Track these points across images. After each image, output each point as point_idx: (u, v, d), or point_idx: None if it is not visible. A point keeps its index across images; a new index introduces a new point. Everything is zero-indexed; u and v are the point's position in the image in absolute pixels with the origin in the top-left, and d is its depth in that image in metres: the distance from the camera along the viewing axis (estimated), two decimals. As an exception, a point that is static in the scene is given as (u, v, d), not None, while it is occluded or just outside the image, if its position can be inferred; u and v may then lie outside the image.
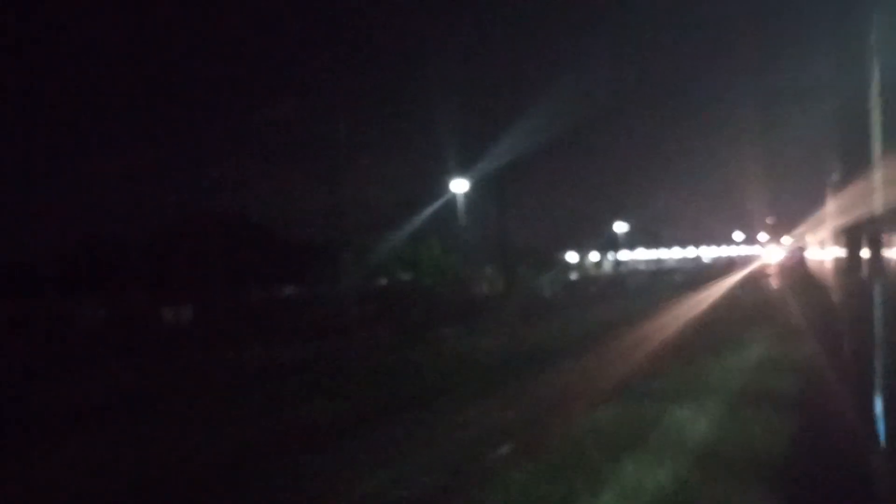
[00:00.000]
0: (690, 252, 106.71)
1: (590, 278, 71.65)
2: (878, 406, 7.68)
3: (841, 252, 14.84)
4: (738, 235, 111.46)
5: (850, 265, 8.96)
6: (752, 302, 32.77)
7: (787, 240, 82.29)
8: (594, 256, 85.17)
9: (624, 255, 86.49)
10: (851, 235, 8.97)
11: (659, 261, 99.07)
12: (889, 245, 7.66)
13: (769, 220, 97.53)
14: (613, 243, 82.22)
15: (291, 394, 15.30)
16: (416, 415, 12.15)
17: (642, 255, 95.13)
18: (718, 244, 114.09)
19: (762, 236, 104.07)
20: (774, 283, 55.09)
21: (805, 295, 29.80)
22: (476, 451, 9.46)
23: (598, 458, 8.42)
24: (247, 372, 19.74)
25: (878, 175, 7.03)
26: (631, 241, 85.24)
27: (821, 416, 10.11)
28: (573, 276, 71.16)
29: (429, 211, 61.83)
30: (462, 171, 56.35)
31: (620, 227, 79.75)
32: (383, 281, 66.00)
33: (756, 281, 57.85)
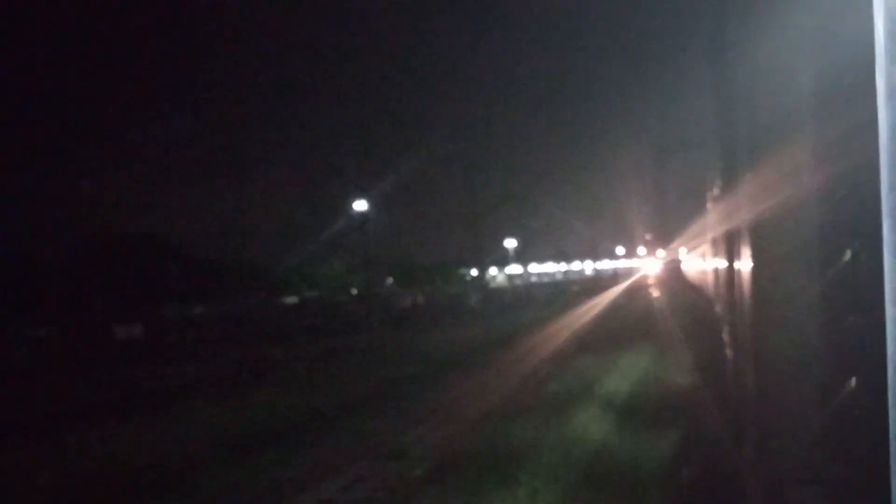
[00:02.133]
0: (577, 265, 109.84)
1: (499, 290, 74.04)
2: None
3: (715, 262, 15.65)
4: (619, 249, 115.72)
5: (724, 274, 9.27)
6: (634, 304, 39.51)
7: (661, 253, 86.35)
8: (492, 271, 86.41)
9: (514, 269, 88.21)
10: (725, 246, 9.25)
11: (551, 274, 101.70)
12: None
13: (647, 236, 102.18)
14: (505, 258, 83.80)
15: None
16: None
17: (534, 269, 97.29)
18: (601, 258, 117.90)
19: (641, 250, 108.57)
20: (653, 290, 59.58)
21: (679, 298, 33.33)
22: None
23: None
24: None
25: (745, 188, 7.23)
26: (522, 256, 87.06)
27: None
28: (485, 289, 72.95)
29: (332, 230, 61.32)
30: (364, 190, 56.22)
31: (510, 242, 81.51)
32: (293, 298, 65.30)
33: (637, 289, 62.82)
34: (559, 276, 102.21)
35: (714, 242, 12.48)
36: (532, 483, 8.72)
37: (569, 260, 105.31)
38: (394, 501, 9.33)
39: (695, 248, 28.32)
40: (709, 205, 13.74)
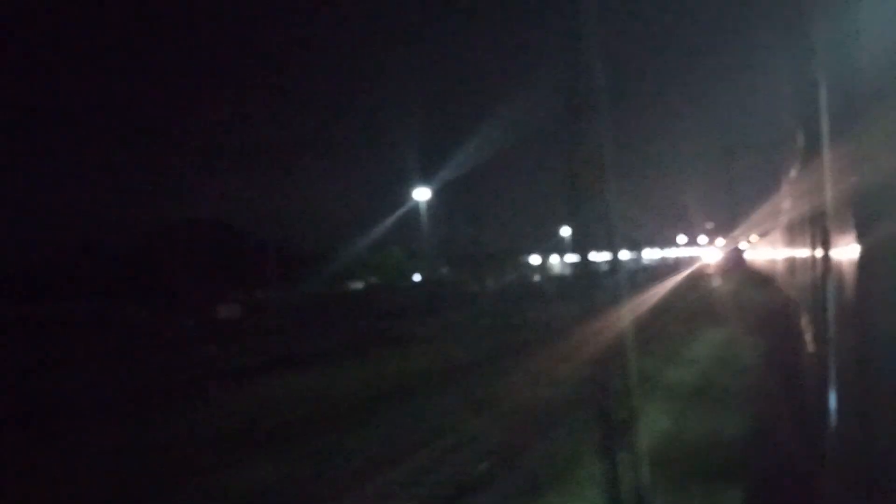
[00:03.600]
0: (639, 253, 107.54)
1: (565, 276, 74.01)
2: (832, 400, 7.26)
3: (789, 251, 14.54)
4: (681, 238, 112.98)
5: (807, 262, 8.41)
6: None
7: (720, 242, 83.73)
8: (553, 259, 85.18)
9: (573, 257, 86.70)
10: (809, 230, 8.38)
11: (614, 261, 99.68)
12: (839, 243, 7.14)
13: (708, 225, 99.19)
14: (562, 246, 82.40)
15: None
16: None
17: (596, 257, 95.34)
18: (664, 246, 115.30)
19: (702, 239, 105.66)
20: (716, 279, 58.97)
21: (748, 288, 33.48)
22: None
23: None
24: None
25: (827, 171, 6.46)
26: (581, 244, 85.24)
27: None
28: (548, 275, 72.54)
29: (392, 219, 61.32)
30: (424, 180, 55.88)
31: (566, 231, 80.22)
32: (358, 284, 66.35)
33: (700, 277, 62.45)
34: (628, 264, 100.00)
35: (791, 228, 11.40)
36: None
37: (633, 248, 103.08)
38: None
39: (761, 234, 27.12)
40: (785, 188, 12.65)
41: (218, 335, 32.52)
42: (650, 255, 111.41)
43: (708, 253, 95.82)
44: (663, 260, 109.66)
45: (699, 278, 63.86)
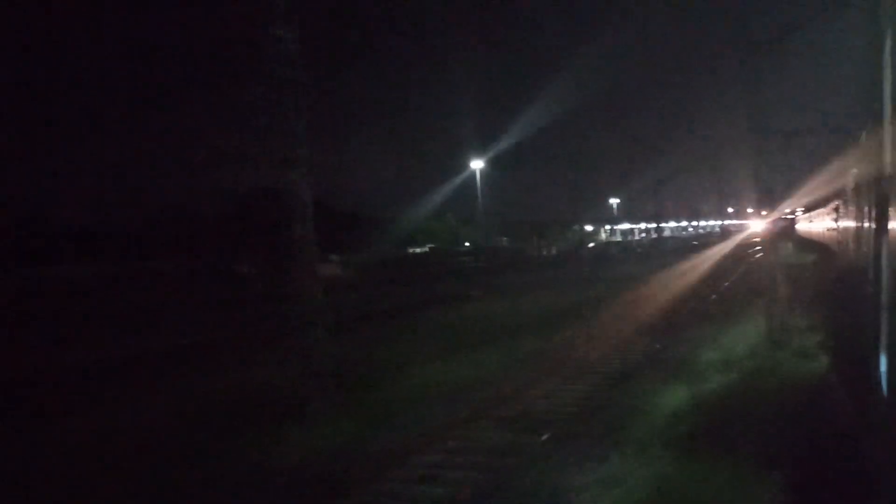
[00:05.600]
0: (688, 224, 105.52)
1: (628, 243, 75.22)
2: (883, 362, 7.25)
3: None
4: (729, 209, 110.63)
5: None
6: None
7: (769, 212, 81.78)
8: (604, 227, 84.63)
9: (623, 226, 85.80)
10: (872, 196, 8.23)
11: (665, 229, 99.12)
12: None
13: (756, 196, 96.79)
14: (612, 217, 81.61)
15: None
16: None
17: (644, 226, 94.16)
18: (711, 218, 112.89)
19: (751, 209, 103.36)
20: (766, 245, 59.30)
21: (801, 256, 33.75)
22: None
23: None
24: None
25: (888, 135, 6.35)
26: (630, 214, 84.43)
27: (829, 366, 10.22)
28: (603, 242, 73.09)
29: (449, 187, 61.75)
30: (479, 151, 55.93)
31: (614, 201, 79.40)
32: (417, 249, 67.83)
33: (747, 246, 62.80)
34: (668, 233, 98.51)
35: (858, 194, 11.06)
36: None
37: (679, 219, 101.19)
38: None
39: (817, 205, 26.42)
40: (852, 153, 12.24)
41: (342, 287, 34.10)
42: (710, 224, 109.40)
43: (760, 223, 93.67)
44: (724, 227, 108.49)
45: (752, 244, 63.70)
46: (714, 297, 21.85)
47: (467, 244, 72.51)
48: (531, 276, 35.29)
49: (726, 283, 25.97)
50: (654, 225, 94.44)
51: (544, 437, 8.15)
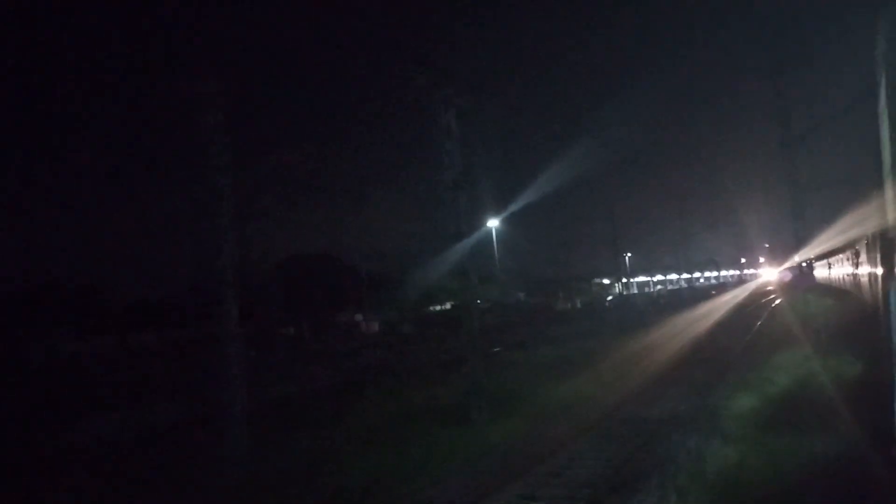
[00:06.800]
0: (698, 275, 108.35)
1: (640, 295, 78.82)
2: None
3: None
4: (740, 259, 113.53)
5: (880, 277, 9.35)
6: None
7: (783, 261, 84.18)
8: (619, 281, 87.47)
9: (639, 278, 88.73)
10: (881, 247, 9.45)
11: (681, 281, 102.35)
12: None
13: (767, 245, 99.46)
14: (626, 270, 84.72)
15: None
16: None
17: (656, 278, 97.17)
18: (722, 269, 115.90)
19: (761, 260, 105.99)
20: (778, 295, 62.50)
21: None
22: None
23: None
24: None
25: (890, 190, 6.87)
26: (645, 267, 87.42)
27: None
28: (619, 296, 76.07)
29: (467, 244, 64.68)
30: (493, 210, 59.28)
31: (627, 255, 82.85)
32: (444, 306, 70.60)
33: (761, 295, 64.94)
34: (684, 284, 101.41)
35: (855, 250, 13.73)
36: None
37: (691, 270, 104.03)
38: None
39: (835, 252, 28.03)
40: (848, 217, 15.00)
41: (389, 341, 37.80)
42: (719, 274, 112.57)
43: (772, 272, 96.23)
44: (738, 277, 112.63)
45: (765, 293, 66.34)
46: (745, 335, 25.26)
47: (478, 301, 75.06)
48: (566, 328, 38.17)
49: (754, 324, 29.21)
50: (669, 276, 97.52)
51: (651, 427, 11.76)
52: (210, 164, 10.19)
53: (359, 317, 56.12)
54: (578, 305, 70.83)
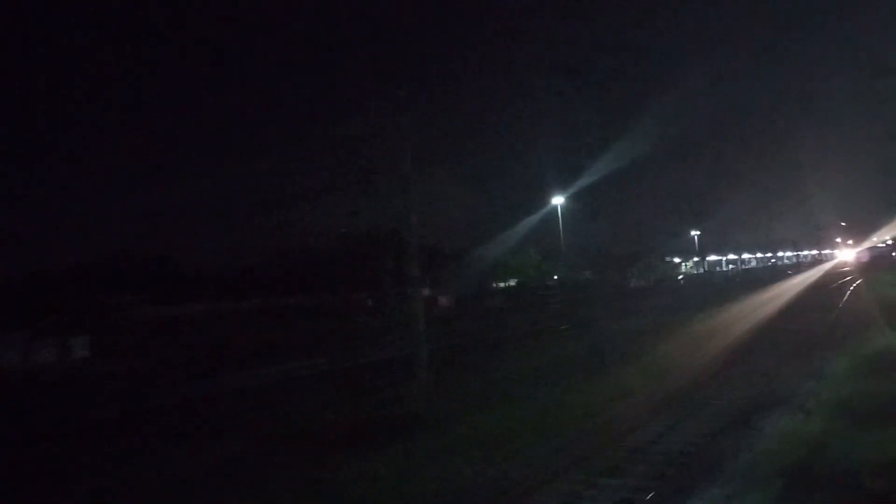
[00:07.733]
0: (774, 255, 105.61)
1: (724, 273, 79.26)
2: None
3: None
4: (817, 239, 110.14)
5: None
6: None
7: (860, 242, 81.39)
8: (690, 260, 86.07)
9: (712, 258, 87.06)
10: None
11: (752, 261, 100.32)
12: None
13: (843, 224, 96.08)
14: (692, 249, 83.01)
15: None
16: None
17: (728, 257, 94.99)
18: (799, 249, 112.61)
19: (837, 240, 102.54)
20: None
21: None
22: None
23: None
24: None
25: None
26: (713, 247, 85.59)
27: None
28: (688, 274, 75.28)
29: (532, 221, 64.60)
30: (559, 187, 58.62)
31: (695, 233, 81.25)
32: (501, 284, 70.80)
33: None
34: (753, 264, 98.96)
35: None
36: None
37: (764, 250, 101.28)
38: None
39: None
40: None
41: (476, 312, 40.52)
42: (797, 254, 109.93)
43: (849, 252, 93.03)
44: (813, 257, 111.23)
45: (841, 273, 64.81)
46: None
47: (556, 277, 74.95)
48: (648, 302, 40.44)
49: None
50: (742, 255, 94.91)
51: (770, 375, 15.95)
52: (400, 157, 12.79)
53: (426, 291, 57.19)
54: (649, 282, 70.74)
